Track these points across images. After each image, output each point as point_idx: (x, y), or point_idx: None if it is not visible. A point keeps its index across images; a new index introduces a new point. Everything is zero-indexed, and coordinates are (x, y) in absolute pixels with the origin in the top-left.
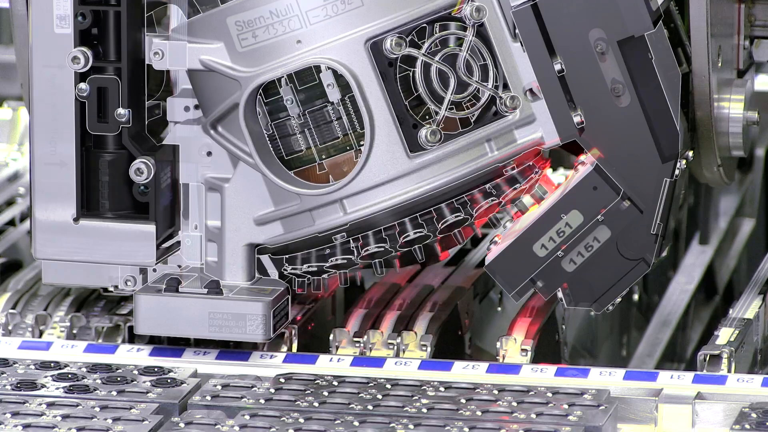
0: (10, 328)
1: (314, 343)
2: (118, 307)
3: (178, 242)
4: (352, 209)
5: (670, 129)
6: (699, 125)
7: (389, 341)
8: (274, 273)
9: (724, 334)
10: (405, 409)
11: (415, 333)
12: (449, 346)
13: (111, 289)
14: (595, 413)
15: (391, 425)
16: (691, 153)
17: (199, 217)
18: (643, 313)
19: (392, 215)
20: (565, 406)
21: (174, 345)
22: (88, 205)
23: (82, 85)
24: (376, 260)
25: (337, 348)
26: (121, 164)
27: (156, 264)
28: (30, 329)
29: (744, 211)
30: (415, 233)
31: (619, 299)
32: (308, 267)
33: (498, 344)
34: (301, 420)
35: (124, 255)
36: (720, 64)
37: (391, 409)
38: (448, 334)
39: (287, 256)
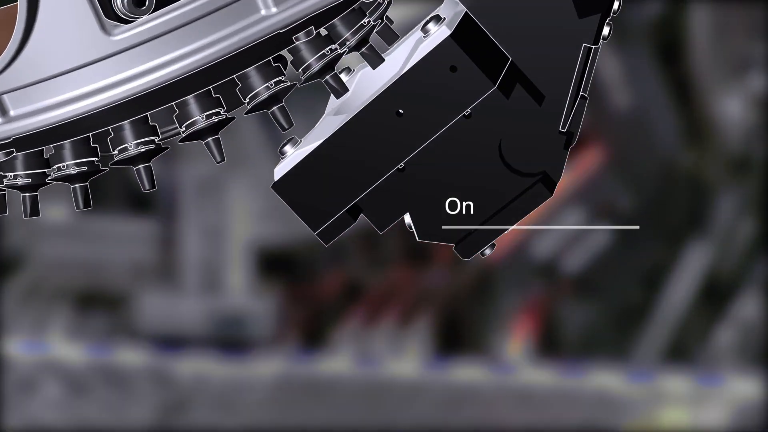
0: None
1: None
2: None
3: None
4: (19, 112)
5: None
6: (699, 125)
7: (389, 341)
8: None
9: (724, 334)
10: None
11: (415, 333)
12: (449, 346)
13: None
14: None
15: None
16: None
17: None
18: (643, 313)
19: (103, 116)
20: (566, 407)
21: (174, 344)
22: None
23: None
24: (77, 185)
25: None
26: None
27: None
28: (30, 329)
29: (744, 211)
30: (136, 145)
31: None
32: None
33: (497, 344)
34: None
35: None
36: (720, 64)
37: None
38: (448, 333)
39: None
